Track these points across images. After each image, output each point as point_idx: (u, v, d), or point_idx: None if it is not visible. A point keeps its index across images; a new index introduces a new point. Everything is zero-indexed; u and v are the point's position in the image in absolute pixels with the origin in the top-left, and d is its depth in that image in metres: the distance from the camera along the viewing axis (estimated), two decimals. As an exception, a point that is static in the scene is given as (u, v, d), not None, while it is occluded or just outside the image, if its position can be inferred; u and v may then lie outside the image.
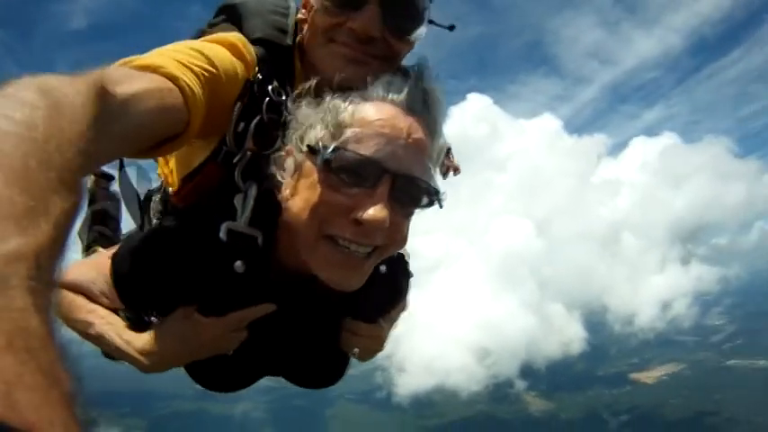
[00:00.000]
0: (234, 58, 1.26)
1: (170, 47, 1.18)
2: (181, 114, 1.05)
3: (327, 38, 1.35)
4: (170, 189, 1.51)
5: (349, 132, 1.03)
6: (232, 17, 1.46)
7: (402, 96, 1.08)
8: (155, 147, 1.05)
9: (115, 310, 1.39)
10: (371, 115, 1.04)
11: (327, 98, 1.14)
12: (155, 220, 1.54)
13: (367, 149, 1.02)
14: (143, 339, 1.29)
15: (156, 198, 1.60)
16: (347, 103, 1.08)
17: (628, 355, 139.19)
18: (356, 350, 1.55)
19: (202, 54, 1.16)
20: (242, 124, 1.25)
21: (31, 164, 0.56)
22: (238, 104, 1.25)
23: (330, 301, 1.35)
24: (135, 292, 1.26)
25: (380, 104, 1.07)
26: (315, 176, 1.06)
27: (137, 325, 1.37)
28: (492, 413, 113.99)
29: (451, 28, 1.48)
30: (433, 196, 1.14)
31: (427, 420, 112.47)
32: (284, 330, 1.38)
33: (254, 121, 1.26)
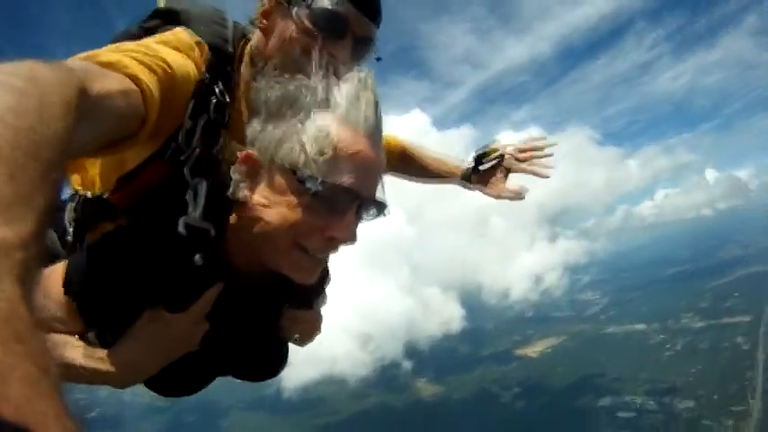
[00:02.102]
0: (188, 60, 1.30)
1: (129, 45, 1.19)
2: (139, 116, 1.08)
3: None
4: (90, 193, 1.46)
5: (331, 163, 1.10)
6: (173, 22, 1.48)
7: (371, 126, 1.16)
8: (104, 147, 1.06)
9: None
10: (349, 147, 1.12)
11: (300, 107, 1.16)
12: (70, 229, 1.46)
13: (346, 181, 1.11)
14: (117, 353, 1.26)
15: (70, 206, 1.51)
16: (326, 128, 1.12)
17: (510, 334, 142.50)
18: (297, 336, 1.62)
19: (160, 56, 1.19)
20: (190, 122, 1.29)
21: (18, 153, 0.56)
22: (192, 103, 1.30)
23: (274, 292, 1.40)
24: (100, 305, 1.21)
25: (355, 133, 1.13)
26: (294, 198, 1.13)
27: (98, 344, 1.31)
28: (385, 403, 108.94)
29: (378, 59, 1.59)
30: (383, 210, 1.27)
31: (322, 419, 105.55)
32: (235, 323, 1.41)
33: (203, 120, 1.30)
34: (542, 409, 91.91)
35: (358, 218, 1.21)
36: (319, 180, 1.09)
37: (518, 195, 2.15)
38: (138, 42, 1.25)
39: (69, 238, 1.47)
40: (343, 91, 1.17)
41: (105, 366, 1.23)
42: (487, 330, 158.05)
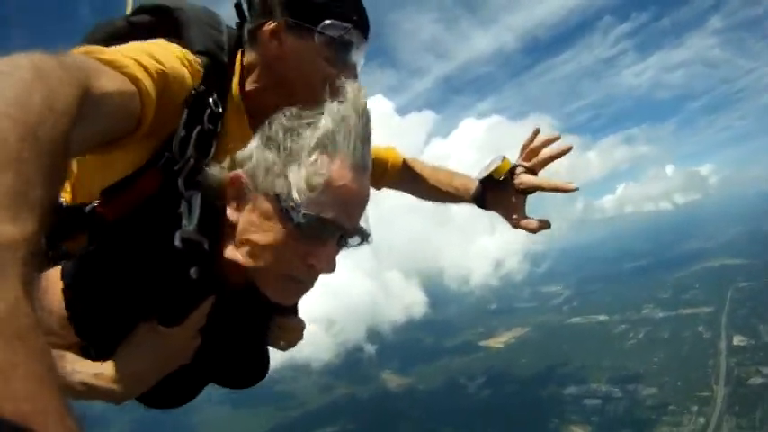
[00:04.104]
0: (183, 68, 1.29)
1: (128, 45, 1.20)
2: (135, 117, 1.08)
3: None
4: (65, 202, 1.41)
5: (317, 196, 1.11)
6: (165, 21, 1.46)
7: (358, 157, 1.17)
8: (99, 146, 1.05)
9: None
10: (336, 179, 1.13)
11: (288, 136, 1.18)
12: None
13: (331, 213, 1.13)
14: (111, 367, 1.23)
15: None
16: (314, 159, 1.13)
17: (474, 325, 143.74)
18: (283, 343, 1.64)
19: (157, 59, 1.19)
20: (184, 131, 1.28)
21: (24, 148, 0.56)
22: (186, 111, 1.29)
23: (261, 302, 1.39)
24: (93, 317, 1.20)
25: (342, 166, 1.14)
26: (278, 226, 1.14)
27: (93, 359, 1.28)
28: (352, 395, 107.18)
29: None
30: (367, 238, 1.28)
31: (290, 411, 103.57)
32: (225, 333, 1.42)
33: (196, 129, 1.29)
34: (509, 397, 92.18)
35: (340, 247, 1.23)
36: (302, 213, 1.11)
37: (542, 226, 1.83)
38: (135, 43, 1.24)
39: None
40: (335, 117, 1.18)
41: (100, 381, 1.21)
42: (452, 321, 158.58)
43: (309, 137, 1.15)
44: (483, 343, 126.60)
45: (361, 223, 1.25)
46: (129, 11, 1.55)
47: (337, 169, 1.14)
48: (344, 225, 1.17)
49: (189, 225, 1.18)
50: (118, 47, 1.16)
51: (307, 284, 1.25)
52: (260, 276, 1.21)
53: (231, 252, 1.22)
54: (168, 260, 1.17)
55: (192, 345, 1.32)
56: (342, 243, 1.23)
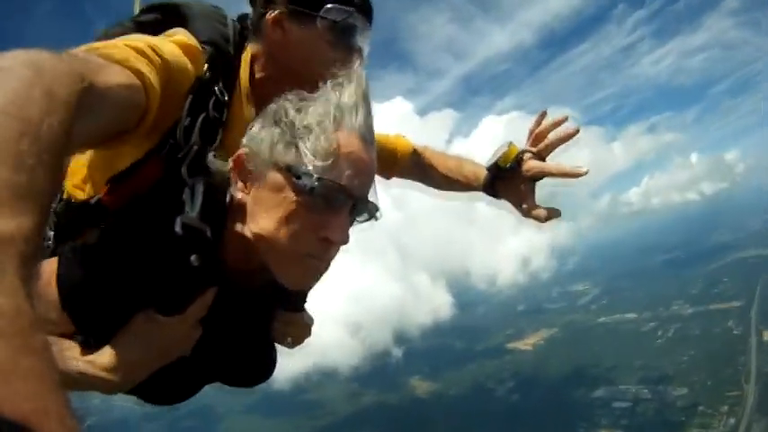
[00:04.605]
0: (185, 57, 1.29)
1: (128, 39, 1.18)
2: (140, 110, 1.08)
3: None
4: (74, 198, 1.42)
5: (327, 162, 1.12)
6: (172, 16, 1.47)
7: (364, 128, 1.18)
8: (104, 141, 1.06)
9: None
10: (345, 146, 1.14)
11: (294, 112, 1.19)
12: (50, 233, 1.42)
13: (342, 179, 1.13)
14: (107, 356, 1.21)
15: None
16: (322, 129, 1.15)
17: (503, 328, 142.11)
18: (290, 339, 1.60)
19: (160, 51, 1.19)
20: (189, 119, 1.28)
21: (23, 144, 0.56)
22: (189, 98, 1.28)
23: (265, 294, 1.39)
24: (91, 306, 1.19)
25: (349, 135, 1.16)
26: (290, 196, 1.13)
27: (88, 348, 1.26)
28: (381, 402, 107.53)
29: None
30: (375, 213, 1.27)
31: (319, 420, 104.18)
32: (228, 327, 1.39)
33: (201, 116, 1.29)
34: (538, 402, 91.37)
35: (351, 219, 1.21)
36: (315, 176, 1.10)
37: (551, 215, 1.76)
38: (136, 36, 1.24)
39: (50, 242, 1.41)
40: (339, 94, 1.19)
41: (94, 370, 1.19)
42: (480, 324, 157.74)
43: (315, 111, 1.17)
44: (511, 345, 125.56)
45: (371, 198, 1.24)
46: (136, 10, 1.58)
47: (346, 138, 1.15)
48: (355, 192, 1.17)
49: (191, 212, 1.18)
50: (119, 40, 1.16)
51: (323, 262, 1.22)
52: (275, 259, 1.19)
53: (242, 233, 1.20)
54: (168, 247, 1.16)
55: (192, 336, 1.29)
56: (353, 214, 1.21)
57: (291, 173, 1.13)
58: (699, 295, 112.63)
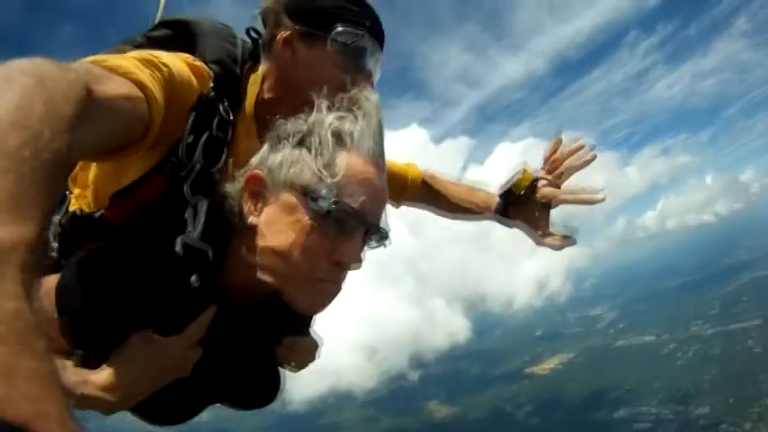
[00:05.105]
0: (190, 73, 1.28)
1: (133, 53, 1.19)
2: (143, 123, 1.07)
3: None
4: (80, 210, 1.40)
5: (342, 186, 1.11)
6: (182, 33, 1.47)
7: (377, 154, 1.18)
8: (106, 152, 1.05)
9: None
10: (359, 172, 1.14)
11: (310, 134, 1.18)
12: (54, 245, 1.40)
13: (357, 204, 1.12)
14: (103, 375, 1.18)
15: (56, 220, 1.44)
16: (338, 152, 1.15)
17: (520, 352, 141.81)
18: (293, 364, 1.56)
19: (164, 64, 1.18)
20: (192, 137, 1.26)
21: (25, 152, 0.56)
22: (193, 115, 1.27)
23: (269, 317, 1.36)
24: (88, 323, 1.16)
25: (364, 160, 1.15)
26: (304, 218, 1.12)
27: (86, 366, 1.23)
28: (399, 426, 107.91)
29: None
30: (386, 239, 1.27)
31: None
32: (229, 349, 1.36)
33: (205, 135, 1.28)
34: (558, 425, 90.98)
35: (363, 243, 1.21)
36: (332, 200, 1.10)
37: (566, 244, 1.73)
38: (142, 50, 1.24)
39: (54, 254, 1.40)
40: (352, 119, 1.19)
41: (89, 389, 1.16)
42: (497, 348, 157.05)
43: (328, 134, 1.16)
44: (529, 370, 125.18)
45: (382, 224, 1.23)
46: (157, 21, 1.57)
47: (360, 163, 1.14)
48: (369, 218, 1.16)
49: (193, 231, 1.17)
50: (125, 52, 1.16)
51: (335, 285, 1.20)
52: (287, 281, 1.16)
53: (251, 254, 1.18)
54: (168, 266, 1.15)
55: (191, 357, 1.26)
56: (365, 239, 1.20)
57: (307, 195, 1.12)
58: (717, 315, 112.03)
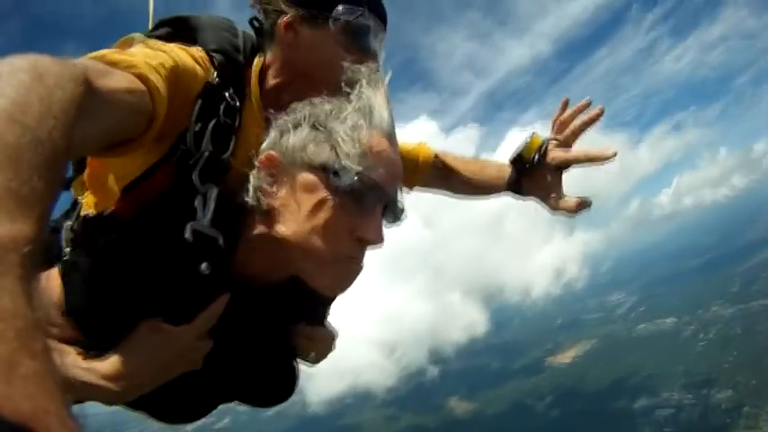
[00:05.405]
0: (194, 62, 1.29)
1: (133, 48, 1.19)
2: (146, 117, 1.06)
3: None
4: (91, 212, 1.37)
5: (363, 160, 1.11)
6: (182, 29, 1.47)
7: (390, 128, 1.19)
8: (109, 147, 1.03)
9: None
10: (376, 146, 1.14)
11: (325, 114, 1.19)
12: (67, 249, 1.36)
13: (377, 177, 1.12)
14: (107, 364, 1.15)
15: (67, 225, 1.42)
16: (356, 128, 1.15)
17: (540, 342, 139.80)
18: (312, 355, 1.52)
19: (167, 55, 1.18)
20: (199, 125, 1.25)
21: (23, 148, 0.56)
22: (199, 103, 1.27)
23: (284, 305, 1.34)
24: (97, 312, 1.15)
25: (380, 135, 1.16)
26: (324, 196, 1.12)
27: (93, 354, 1.21)
28: (420, 424, 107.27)
29: None
30: (402, 214, 1.27)
31: None
32: (243, 340, 1.32)
33: (212, 122, 1.27)
34: (579, 415, 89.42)
35: (383, 219, 1.19)
36: (353, 172, 1.09)
37: (582, 205, 1.68)
38: (143, 44, 1.24)
39: (66, 258, 1.36)
40: (366, 95, 1.20)
41: (93, 377, 1.14)
42: (517, 339, 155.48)
43: (346, 111, 1.17)
44: (549, 361, 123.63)
45: (402, 201, 1.25)
46: (150, 26, 1.58)
47: (376, 137, 1.15)
48: (389, 192, 1.16)
49: (203, 219, 1.15)
50: (127, 46, 1.17)
51: (357, 264, 1.19)
52: (310, 263, 1.16)
53: (267, 239, 1.18)
54: (177, 254, 1.12)
55: (201, 348, 1.24)
56: (384, 215, 1.20)
57: (327, 171, 1.11)
58: (738, 294, 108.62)
